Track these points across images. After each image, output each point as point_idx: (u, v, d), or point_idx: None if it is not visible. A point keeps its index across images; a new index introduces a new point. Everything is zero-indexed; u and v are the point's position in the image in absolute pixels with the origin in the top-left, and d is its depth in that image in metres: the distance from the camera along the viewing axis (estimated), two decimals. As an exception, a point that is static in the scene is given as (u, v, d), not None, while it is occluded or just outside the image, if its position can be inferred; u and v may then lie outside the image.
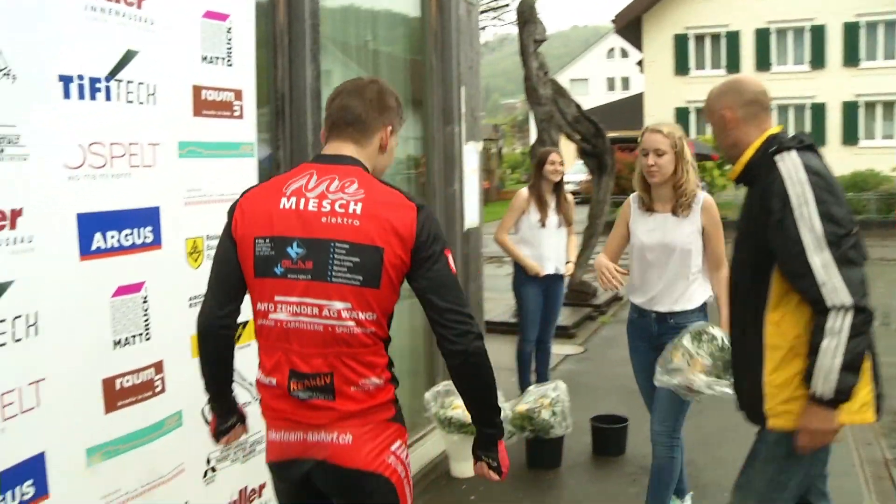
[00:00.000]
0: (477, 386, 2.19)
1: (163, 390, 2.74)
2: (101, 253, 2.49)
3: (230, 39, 3.01)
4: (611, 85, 55.73)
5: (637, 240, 3.73)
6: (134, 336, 2.62)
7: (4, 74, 2.16)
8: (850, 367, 2.35)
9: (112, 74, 2.50)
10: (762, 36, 26.75)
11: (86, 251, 2.44)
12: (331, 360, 2.09)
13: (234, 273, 2.18)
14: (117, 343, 2.56)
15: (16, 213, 2.20)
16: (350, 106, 2.20)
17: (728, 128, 2.66)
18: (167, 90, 2.72)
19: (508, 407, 4.78)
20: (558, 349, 7.64)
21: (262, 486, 3.24)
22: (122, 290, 2.57)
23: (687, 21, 27.32)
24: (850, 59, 26.03)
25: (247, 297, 2.24)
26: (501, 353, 7.02)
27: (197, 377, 2.75)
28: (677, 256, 3.62)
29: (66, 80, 2.35)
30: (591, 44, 62.91)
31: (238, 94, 3.07)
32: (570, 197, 5.87)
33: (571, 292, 9.21)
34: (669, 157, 3.58)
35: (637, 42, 29.84)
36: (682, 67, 27.76)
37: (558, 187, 5.74)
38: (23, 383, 2.24)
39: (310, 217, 2.08)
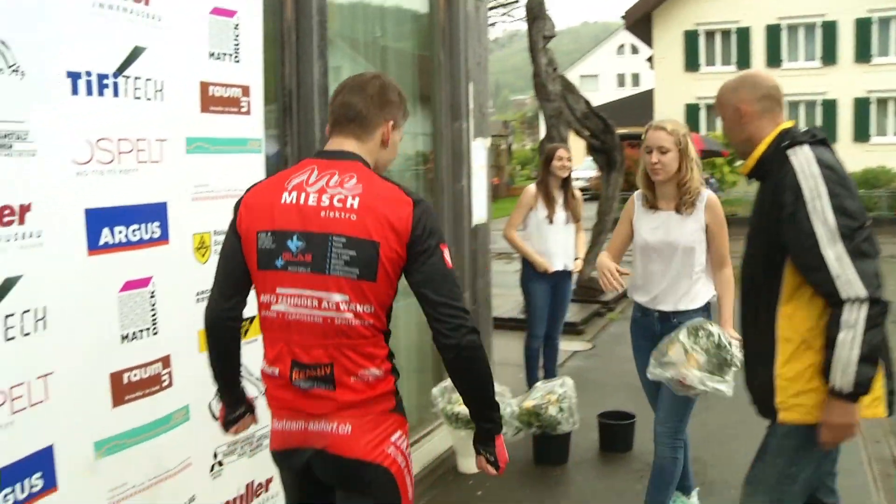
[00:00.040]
0: (471, 380, 2.20)
1: (170, 385, 2.76)
2: (108, 248, 2.51)
3: (237, 36, 3.02)
4: (621, 81, 55.58)
5: (640, 238, 3.70)
6: (141, 331, 2.64)
7: (13, 71, 2.18)
8: (868, 358, 2.35)
9: (120, 71, 2.51)
10: (773, 32, 26.61)
11: (94, 246, 2.46)
12: (331, 350, 2.13)
13: (239, 266, 2.22)
14: (125, 338, 2.58)
15: (24, 209, 2.22)
16: (351, 102, 2.23)
17: (743, 122, 2.66)
18: (175, 86, 2.74)
19: (516, 403, 4.79)
20: (566, 345, 7.64)
21: (268, 481, 3.26)
22: (130, 285, 2.59)
23: (697, 17, 27.20)
24: (862, 55, 25.85)
25: (253, 292, 2.27)
26: (509, 350, 7.03)
27: (204, 372, 2.78)
28: (680, 255, 3.59)
29: (73, 76, 2.37)
30: (601, 40, 62.74)
31: (245, 91, 3.09)
32: (577, 193, 5.86)
33: (580, 289, 9.20)
34: (673, 154, 3.55)
35: (647, 38, 29.73)
36: (692, 64, 27.65)
37: (566, 183, 5.74)
38: (31, 377, 2.26)
39: (309, 211, 2.12)
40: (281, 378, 2.19)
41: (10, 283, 2.18)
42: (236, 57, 3.02)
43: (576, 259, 5.82)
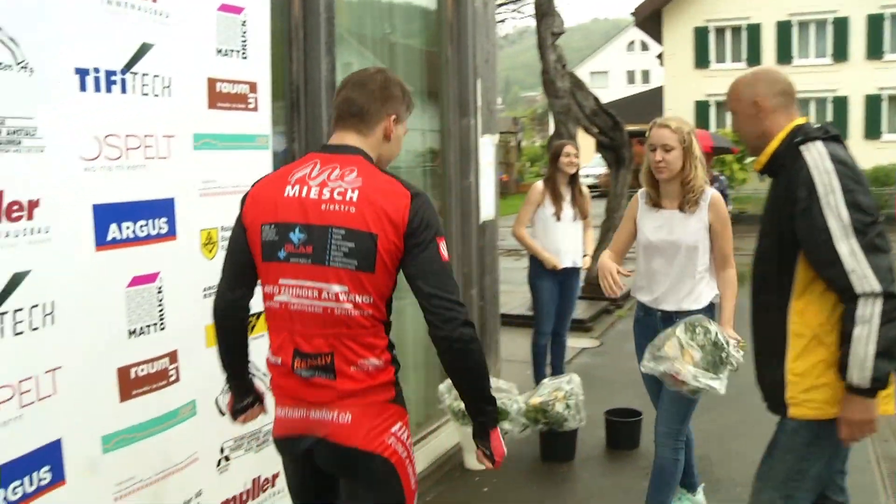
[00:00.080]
0: (463, 373, 2.22)
1: (177, 380, 2.77)
2: (116, 243, 2.52)
3: (245, 32, 3.03)
4: (631, 78, 55.44)
5: (643, 237, 3.68)
6: (149, 326, 2.65)
7: (22, 67, 2.19)
8: (885, 353, 2.35)
9: (128, 67, 2.53)
10: (784, 29, 26.47)
11: (101, 242, 2.47)
12: (331, 340, 2.17)
13: (245, 258, 2.28)
14: (132, 333, 2.60)
15: (33, 204, 2.24)
16: (352, 98, 2.28)
17: (760, 116, 2.64)
18: (182, 83, 2.75)
19: (522, 399, 4.79)
20: (574, 342, 7.64)
21: (275, 476, 3.27)
22: (137, 281, 2.61)
23: (707, 14, 27.08)
24: (874, 51, 25.68)
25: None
26: (517, 346, 7.04)
27: (211, 367, 2.80)
28: (683, 254, 3.56)
29: (82, 72, 2.38)
30: (611, 37, 62.60)
31: (253, 87, 3.10)
32: (585, 190, 5.85)
33: (588, 286, 9.17)
34: (678, 152, 3.51)
35: (657, 35, 29.61)
36: (702, 61, 27.52)
37: (574, 180, 5.73)
38: (39, 371, 2.28)
39: (311, 204, 2.17)
40: (284, 367, 2.24)
41: (18, 278, 2.20)
42: (244, 53, 3.03)
43: (584, 256, 5.82)
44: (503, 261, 7.61)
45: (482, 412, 2.28)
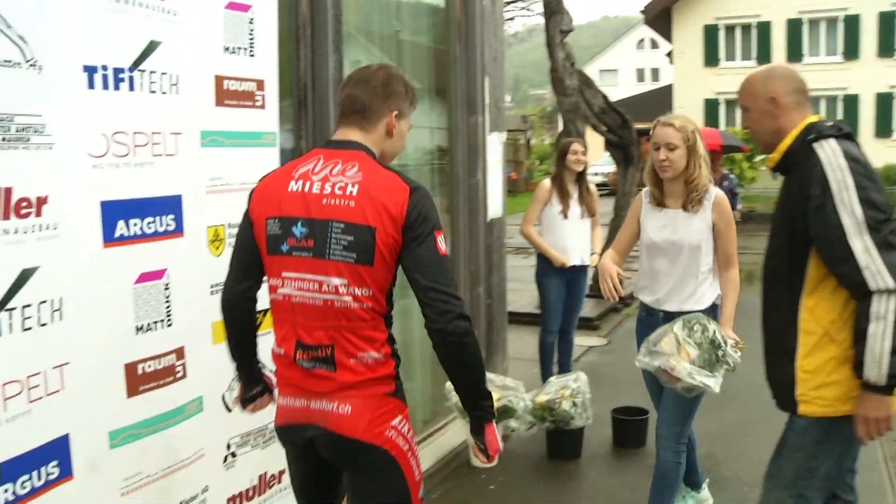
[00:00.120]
0: (458, 367, 2.24)
1: (184, 376, 2.79)
2: (124, 240, 2.54)
3: (252, 30, 3.04)
4: (640, 76, 55.33)
5: (647, 236, 3.63)
6: (156, 322, 2.67)
7: (31, 65, 2.21)
8: None
9: (135, 65, 2.54)
10: (794, 26, 26.38)
11: (109, 238, 2.49)
12: (331, 332, 2.21)
13: (251, 251, 2.33)
14: (139, 329, 2.61)
15: (41, 201, 2.25)
16: (355, 95, 2.32)
17: (776, 113, 2.63)
18: (190, 80, 2.76)
19: (529, 397, 4.79)
20: (582, 340, 7.63)
21: (281, 472, 3.28)
22: (145, 277, 2.62)
23: (717, 11, 27.02)
24: (885, 49, 25.57)
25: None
26: (525, 344, 7.04)
27: (218, 364, 2.82)
28: (686, 254, 3.52)
29: (90, 70, 2.39)
30: (620, 34, 62.47)
31: (260, 84, 3.11)
32: (593, 188, 5.84)
33: (596, 284, 9.17)
34: (682, 151, 3.46)
35: (667, 33, 29.55)
36: (711, 59, 27.47)
37: (581, 178, 5.72)
38: (47, 367, 2.30)
39: (313, 198, 2.21)
40: (286, 357, 2.29)
41: (27, 274, 2.22)
42: (251, 51, 3.04)
43: (592, 254, 5.81)
44: (511, 259, 7.60)
45: (477, 406, 2.29)
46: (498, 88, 5.80)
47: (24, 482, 2.23)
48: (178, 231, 2.76)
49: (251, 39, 3.04)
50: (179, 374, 2.77)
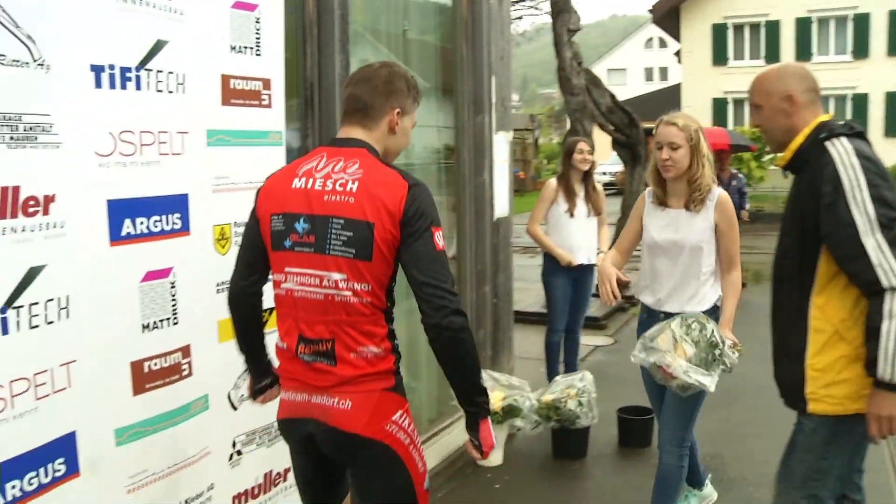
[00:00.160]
0: (453, 362, 2.24)
1: (190, 374, 2.80)
2: (130, 239, 2.55)
3: (259, 29, 3.05)
4: (649, 75, 55.21)
5: (648, 236, 3.59)
6: (162, 320, 2.68)
7: (38, 65, 2.22)
8: None
9: (142, 64, 2.55)
10: (803, 25, 26.27)
11: (116, 237, 2.50)
12: (332, 327, 2.25)
13: (256, 247, 2.38)
14: (146, 327, 2.63)
15: (49, 200, 2.27)
16: (356, 94, 2.36)
17: (790, 111, 2.63)
18: (196, 79, 2.77)
19: (535, 396, 4.79)
20: (588, 340, 7.63)
21: (286, 470, 3.29)
22: (151, 276, 2.64)
23: (725, 10, 26.92)
24: (895, 48, 25.44)
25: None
26: (531, 343, 7.04)
27: (223, 362, 2.83)
28: (687, 254, 3.47)
29: (97, 69, 2.41)
30: (629, 33, 62.32)
31: (266, 84, 3.11)
32: (599, 186, 5.83)
33: (603, 283, 9.16)
34: (685, 150, 3.42)
35: (675, 32, 29.47)
36: (720, 58, 27.37)
37: (587, 177, 5.72)
38: (54, 364, 2.31)
39: (315, 195, 2.25)
40: (289, 351, 2.33)
41: (34, 272, 2.23)
42: (257, 50, 3.05)
43: (599, 253, 5.80)
44: (518, 258, 7.60)
45: (472, 402, 2.30)
46: (504, 87, 5.80)
47: (31, 479, 2.25)
48: (185, 230, 2.77)
49: (257, 39, 3.05)
50: (185, 373, 2.78)
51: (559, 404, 4.78)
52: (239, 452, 3.08)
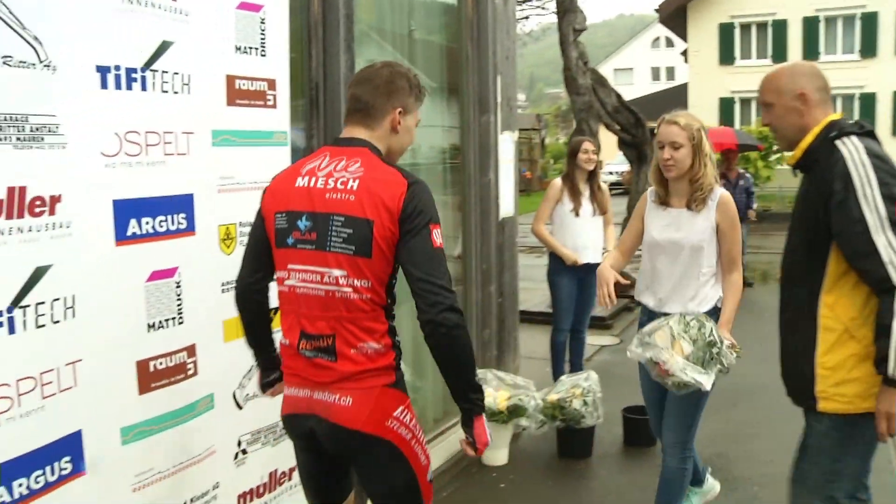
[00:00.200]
0: (448, 359, 2.25)
1: (195, 373, 2.81)
2: (136, 238, 2.56)
3: (264, 30, 3.06)
4: (655, 75, 55.09)
5: (649, 235, 3.56)
6: (167, 320, 2.69)
7: (45, 66, 2.23)
8: None
9: (148, 65, 2.56)
10: (810, 24, 26.19)
11: (121, 237, 2.51)
12: (332, 323, 2.27)
13: (262, 245, 2.42)
14: (151, 326, 2.64)
15: (55, 200, 2.28)
16: (358, 94, 2.39)
17: (803, 109, 2.63)
18: (201, 80, 2.79)
19: (540, 396, 4.80)
20: (594, 340, 7.63)
21: (291, 469, 3.30)
22: (157, 275, 2.65)
23: (732, 9, 26.86)
24: (903, 47, 25.36)
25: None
26: (537, 343, 7.05)
27: (229, 361, 2.85)
28: (688, 253, 3.43)
29: (103, 70, 2.42)
30: (636, 33, 62.21)
31: (271, 84, 3.12)
32: (604, 186, 5.83)
33: (609, 283, 9.15)
34: (686, 150, 3.38)
35: (682, 31, 29.41)
36: (727, 57, 27.30)
37: (592, 176, 5.72)
38: (60, 363, 2.32)
39: (317, 193, 2.28)
40: (291, 347, 2.35)
41: (40, 272, 2.24)
42: (262, 51, 3.06)
43: (605, 252, 5.80)
44: (524, 258, 7.60)
45: (467, 399, 2.31)
46: (510, 87, 5.81)
47: (37, 477, 2.26)
48: (190, 230, 2.78)
49: (263, 39, 3.06)
50: (191, 372, 2.80)
51: (564, 404, 4.78)
52: (244, 451, 3.09)
